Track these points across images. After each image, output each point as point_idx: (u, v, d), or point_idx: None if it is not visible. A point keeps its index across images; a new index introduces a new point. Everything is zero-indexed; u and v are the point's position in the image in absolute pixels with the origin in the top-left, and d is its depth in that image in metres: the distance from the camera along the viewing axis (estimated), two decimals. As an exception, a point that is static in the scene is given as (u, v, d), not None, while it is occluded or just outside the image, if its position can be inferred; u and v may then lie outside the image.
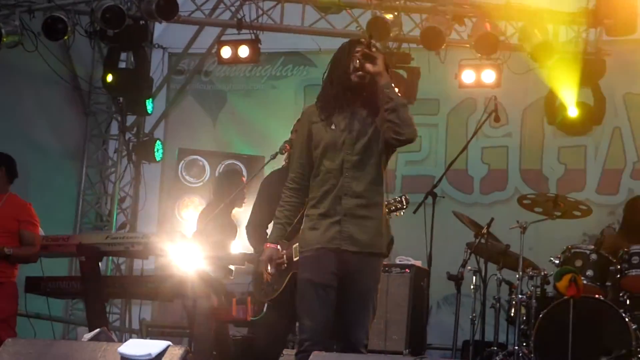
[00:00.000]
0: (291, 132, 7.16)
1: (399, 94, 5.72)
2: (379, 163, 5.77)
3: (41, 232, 8.65)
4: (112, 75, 11.49)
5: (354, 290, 5.71)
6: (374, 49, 5.74)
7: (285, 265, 6.58)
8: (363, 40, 5.80)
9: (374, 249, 5.72)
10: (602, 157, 11.85)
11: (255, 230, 7.31)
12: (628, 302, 8.39)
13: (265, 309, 7.12)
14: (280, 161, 7.37)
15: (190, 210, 12.06)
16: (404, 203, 6.95)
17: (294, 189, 5.98)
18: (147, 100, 12.23)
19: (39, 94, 12.10)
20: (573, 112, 10.83)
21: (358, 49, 5.75)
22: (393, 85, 5.73)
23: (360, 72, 5.73)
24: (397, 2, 11.00)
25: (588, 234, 11.10)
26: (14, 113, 11.67)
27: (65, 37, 10.92)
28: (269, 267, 6.02)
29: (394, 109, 5.66)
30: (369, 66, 5.70)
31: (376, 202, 5.75)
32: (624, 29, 10.58)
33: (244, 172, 11.29)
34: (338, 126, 5.79)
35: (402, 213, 7.08)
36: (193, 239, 8.41)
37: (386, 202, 7.00)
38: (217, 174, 11.97)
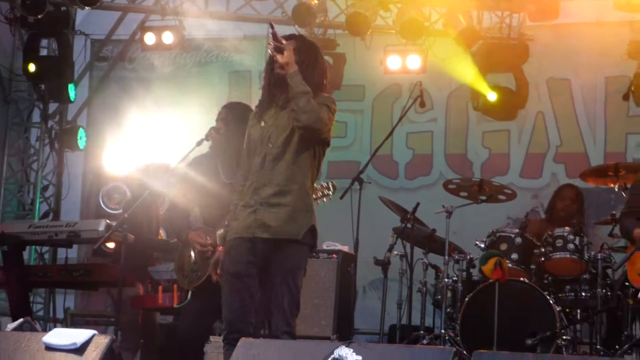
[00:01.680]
0: (216, 120, 7.12)
1: (303, 84, 5.74)
2: (301, 153, 5.83)
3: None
4: (34, 63, 11.32)
5: (269, 277, 5.77)
6: (283, 41, 5.82)
7: (211, 252, 6.58)
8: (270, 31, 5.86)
9: (286, 235, 5.77)
10: (526, 142, 11.96)
11: (177, 215, 7.26)
12: (552, 284, 8.49)
13: (189, 296, 7.08)
14: (206, 148, 7.33)
15: (114, 199, 11.92)
16: (331, 189, 6.96)
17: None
18: (69, 87, 12.06)
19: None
20: (492, 96, 10.94)
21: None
22: (299, 73, 5.74)
23: (277, 65, 5.81)
24: (322, -12, 10.99)
25: (512, 217, 11.22)
26: None
27: (-15, 24, 10.73)
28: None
29: (293, 96, 5.74)
30: (278, 57, 5.79)
31: (290, 189, 5.80)
32: (547, 14, 10.71)
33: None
34: (267, 122, 5.91)
35: (329, 199, 7.09)
36: (118, 226, 8.30)
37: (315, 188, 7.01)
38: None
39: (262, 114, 5.95)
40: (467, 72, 11.16)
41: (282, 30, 11.02)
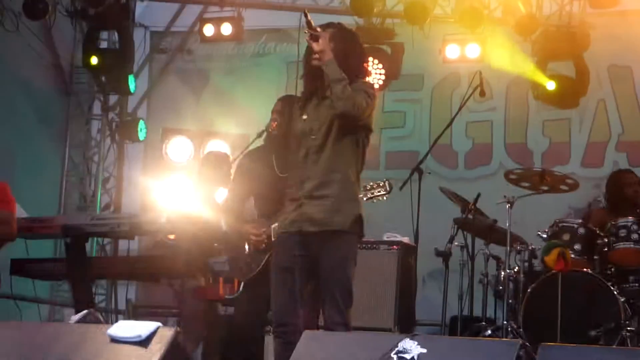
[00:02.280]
0: (272, 112, 7.12)
1: (339, 71, 5.73)
2: (343, 142, 5.84)
3: (24, 213, 8.56)
4: (96, 56, 11.40)
5: (320, 270, 5.77)
6: (318, 29, 5.80)
7: (265, 245, 6.59)
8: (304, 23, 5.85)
9: (333, 226, 5.76)
10: (587, 130, 11.82)
11: (231, 207, 7.28)
12: (615, 275, 8.40)
13: (242, 288, 7.10)
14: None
15: (174, 190, 11.97)
16: (387, 188, 6.88)
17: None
18: (129, 79, 12.13)
19: (20, 74, 11.99)
20: (551, 85, 10.83)
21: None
22: (334, 61, 5.72)
23: (315, 55, 5.80)
24: (380, -22, 10.95)
25: (573, 207, 11.09)
26: (-2, 95, 11.58)
27: (46, 17, 10.82)
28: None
29: (328, 84, 5.74)
30: (314, 45, 5.78)
31: (332, 179, 5.80)
32: (607, 0, 10.57)
33: (229, 152, 11.21)
34: (308, 115, 5.92)
35: (384, 198, 7.02)
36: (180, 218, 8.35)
37: (368, 186, 6.94)
38: (201, 152, 11.89)
39: (304, 106, 5.97)
40: (526, 61, 11.06)
41: (340, 20, 11.08)
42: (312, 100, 5.94)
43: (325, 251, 5.76)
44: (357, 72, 5.90)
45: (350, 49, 5.93)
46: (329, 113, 5.81)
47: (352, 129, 5.84)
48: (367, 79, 6.12)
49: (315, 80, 5.88)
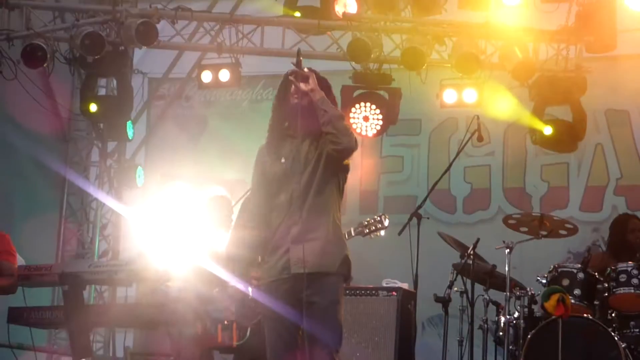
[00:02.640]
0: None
1: (336, 107, 5.82)
2: (326, 184, 5.80)
3: (22, 261, 8.54)
4: (95, 103, 11.42)
5: (310, 313, 5.70)
6: (305, 69, 5.83)
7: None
8: (293, 61, 5.89)
9: (321, 268, 5.71)
10: (585, 174, 11.85)
11: (235, 252, 7.22)
12: (616, 320, 8.36)
13: (248, 334, 7.05)
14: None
15: (173, 235, 11.94)
16: (384, 223, 6.86)
17: (253, 227, 6.00)
18: (127, 126, 12.14)
19: (19, 121, 12.00)
20: (548, 130, 10.85)
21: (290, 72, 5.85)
22: (326, 99, 5.77)
23: (295, 95, 5.81)
24: (377, 23, 10.98)
25: (572, 251, 11.09)
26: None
27: (45, 65, 10.85)
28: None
29: (329, 120, 5.73)
30: (302, 85, 5.78)
31: (319, 223, 5.76)
32: (604, 45, 10.62)
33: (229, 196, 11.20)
34: (287, 158, 5.85)
35: (382, 233, 7.00)
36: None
37: (365, 222, 6.92)
38: (200, 198, 11.87)
39: (277, 149, 5.90)
40: (523, 106, 11.09)
41: (338, 65, 11.13)
42: (284, 142, 5.89)
43: (313, 295, 5.69)
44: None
45: (327, 92, 5.93)
46: (310, 154, 5.79)
47: (335, 170, 5.82)
48: None
49: (293, 121, 5.84)
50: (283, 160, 5.85)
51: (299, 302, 5.73)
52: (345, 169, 5.91)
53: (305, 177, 5.78)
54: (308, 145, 5.82)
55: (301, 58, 5.85)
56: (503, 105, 11.36)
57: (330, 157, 5.77)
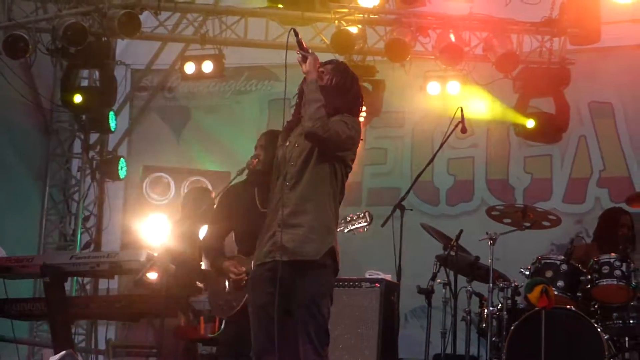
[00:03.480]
0: (255, 148, 7.07)
1: (317, 92, 5.69)
2: (320, 172, 5.75)
3: (3, 252, 8.50)
4: (78, 94, 11.37)
5: (293, 302, 5.67)
6: (308, 49, 5.82)
7: (245, 282, 6.52)
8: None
9: (303, 255, 5.65)
10: (568, 166, 11.87)
11: (211, 243, 7.21)
12: (599, 312, 8.37)
13: (223, 326, 7.03)
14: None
15: (155, 228, 11.91)
16: (367, 219, 6.83)
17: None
18: (110, 117, 12.10)
19: (2, 113, 11.94)
20: (530, 124, 10.88)
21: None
22: (316, 82, 5.71)
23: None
24: (361, 15, 10.96)
25: (555, 243, 11.10)
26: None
27: (27, 56, 10.79)
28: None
29: (305, 102, 5.70)
30: (303, 66, 5.76)
31: (306, 209, 5.70)
32: (588, 37, 10.65)
33: (210, 188, 11.18)
34: (291, 142, 5.86)
35: (365, 229, 6.98)
36: (161, 256, 8.29)
37: (348, 218, 6.89)
38: (182, 190, 11.85)
39: (289, 134, 5.91)
40: (507, 98, 11.10)
41: (322, 57, 11.09)
42: (297, 129, 5.87)
43: (299, 286, 5.64)
44: (349, 110, 5.84)
45: (348, 86, 5.89)
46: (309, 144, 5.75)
47: (330, 159, 5.75)
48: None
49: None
50: (288, 143, 5.86)
51: (282, 294, 5.66)
52: (341, 160, 5.80)
53: (300, 161, 5.75)
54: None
55: (300, 37, 5.79)
56: (486, 97, 11.35)
57: (322, 150, 5.71)
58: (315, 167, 5.74)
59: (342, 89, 5.84)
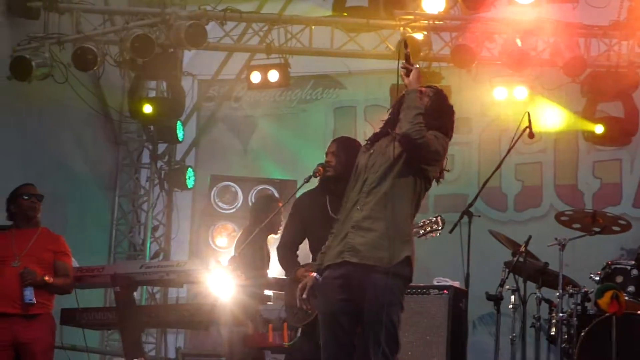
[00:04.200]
0: (326, 154, 7.06)
1: (418, 101, 5.79)
2: (401, 183, 5.77)
3: (75, 263, 8.61)
4: (150, 104, 11.52)
5: (364, 314, 5.67)
6: (414, 64, 5.92)
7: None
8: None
9: (375, 261, 5.65)
10: (638, 170, 11.72)
11: (285, 252, 7.23)
12: (671, 317, 8.24)
13: (299, 334, 7.03)
14: (314, 184, 7.30)
15: (223, 237, 11.99)
16: (440, 224, 6.83)
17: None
18: (178, 128, 12.22)
19: (72, 125, 12.12)
20: (599, 129, 10.78)
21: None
22: (417, 92, 5.81)
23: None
24: (426, 22, 10.94)
25: (625, 248, 10.97)
26: (50, 145, 11.68)
27: (95, 68, 10.95)
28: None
29: (404, 108, 5.81)
30: (405, 78, 5.86)
31: (383, 216, 5.70)
32: (656, 40, 10.51)
33: (277, 196, 11.21)
34: (375, 150, 5.91)
35: (438, 234, 6.97)
36: (229, 265, 8.33)
37: (421, 223, 6.88)
38: (249, 199, 11.90)
39: (373, 143, 5.96)
40: (575, 102, 11.00)
41: (387, 64, 11.11)
42: (384, 139, 5.94)
43: (369, 294, 5.63)
44: (443, 130, 5.94)
45: (445, 110, 6.00)
46: (396, 154, 5.77)
47: (414, 171, 5.78)
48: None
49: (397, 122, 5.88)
50: (372, 151, 5.93)
51: (352, 302, 5.68)
52: (423, 174, 5.84)
53: (382, 169, 5.79)
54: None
55: (409, 51, 5.90)
56: (554, 101, 11.27)
57: (409, 157, 5.76)
58: (397, 177, 5.77)
59: (439, 112, 5.92)
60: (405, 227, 5.79)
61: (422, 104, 5.82)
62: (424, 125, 5.72)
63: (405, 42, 5.98)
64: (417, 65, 5.97)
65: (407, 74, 5.84)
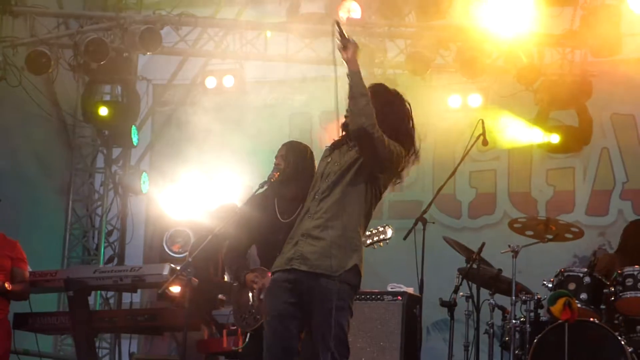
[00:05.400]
0: (275, 157, 7.05)
1: (363, 86, 5.56)
2: (352, 191, 5.71)
3: (28, 267, 8.55)
4: (101, 109, 11.47)
5: (311, 315, 5.65)
6: (351, 39, 5.59)
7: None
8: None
9: (323, 269, 5.61)
10: (591, 178, 11.81)
11: (233, 256, 7.20)
12: (623, 324, 8.32)
13: (247, 339, 7.02)
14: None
15: (178, 243, 11.93)
16: (388, 233, 6.79)
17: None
18: (132, 132, 12.17)
19: (25, 128, 12.02)
20: (554, 139, 10.86)
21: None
22: (360, 73, 5.56)
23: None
24: (381, 29, 10.98)
25: (578, 255, 11.07)
26: (3, 148, 11.58)
27: (49, 71, 10.88)
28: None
29: (351, 96, 5.55)
30: (342, 54, 5.57)
31: (332, 225, 5.65)
32: (609, 50, 10.62)
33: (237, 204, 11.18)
34: (332, 159, 5.82)
35: (386, 243, 6.95)
36: (183, 270, 8.31)
37: (368, 232, 6.85)
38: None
39: (333, 150, 5.87)
40: (529, 110, 11.09)
41: (342, 70, 11.13)
42: (342, 146, 5.83)
43: (317, 298, 5.61)
44: (394, 133, 5.74)
45: (388, 107, 5.81)
46: (351, 160, 5.70)
47: (366, 179, 5.69)
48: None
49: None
50: (329, 160, 5.83)
51: (299, 305, 5.66)
52: (376, 182, 5.74)
53: (334, 177, 5.72)
54: (354, 149, 5.74)
55: (341, 27, 5.59)
56: (508, 109, 11.34)
57: (363, 164, 5.67)
58: (348, 185, 5.70)
59: (384, 113, 5.72)
60: (355, 236, 5.73)
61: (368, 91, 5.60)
62: (374, 114, 5.51)
63: (336, 22, 5.67)
64: (354, 40, 5.62)
65: (345, 49, 5.54)
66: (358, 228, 5.76)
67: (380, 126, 5.56)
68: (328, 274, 5.61)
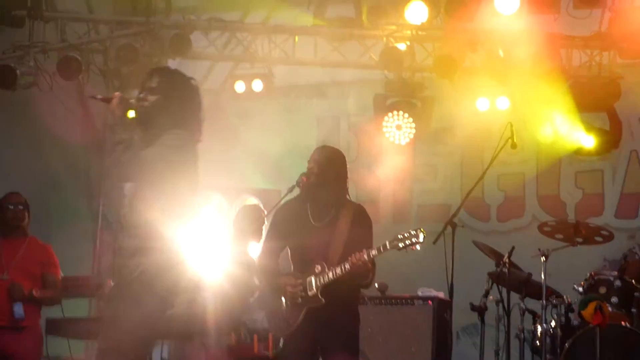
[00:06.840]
0: (308, 162, 7.06)
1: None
2: None
3: (61, 273, 8.61)
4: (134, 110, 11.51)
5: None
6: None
7: (301, 298, 6.51)
8: None
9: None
10: (620, 181, 11.78)
11: (266, 261, 7.22)
12: (654, 328, 8.30)
13: (281, 345, 7.04)
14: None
15: (208, 246, 11.95)
16: (420, 237, 6.70)
17: None
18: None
19: (55, 133, 12.08)
20: (589, 142, 10.81)
21: None
22: None
23: None
24: (409, 32, 10.98)
25: (608, 258, 11.01)
26: (34, 153, 11.65)
27: (80, 76, 10.95)
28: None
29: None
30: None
31: None
32: (637, 51, 10.56)
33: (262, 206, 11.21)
34: None
35: (416, 248, 6.91)
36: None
37: (400, 236, 6.78)
38: (234, 208, 11.88)
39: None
40: (557, 113, 11.05)
41: (370, 74, 11.15)
42: None
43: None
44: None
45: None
46: None
47: None
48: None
49: None
50: None
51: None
52: None
53: None
54: None
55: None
56: (536, 112, 11.32)
57: None
58: None
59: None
60: None
61: None
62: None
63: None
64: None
65: None
66: None
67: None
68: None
